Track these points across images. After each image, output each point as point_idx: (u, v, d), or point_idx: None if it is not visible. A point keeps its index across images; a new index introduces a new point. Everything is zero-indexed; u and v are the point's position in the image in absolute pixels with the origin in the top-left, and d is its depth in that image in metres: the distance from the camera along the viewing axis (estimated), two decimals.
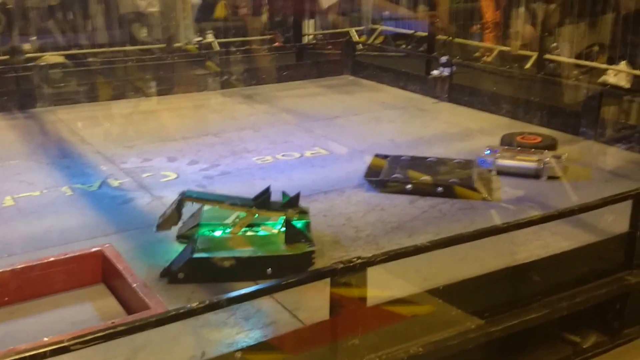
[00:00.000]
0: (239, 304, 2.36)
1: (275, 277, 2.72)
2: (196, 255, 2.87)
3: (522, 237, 3.15)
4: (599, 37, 7.29)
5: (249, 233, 3.08)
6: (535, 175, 4.10)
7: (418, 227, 3.43)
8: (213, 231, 3.10)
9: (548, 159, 4.14)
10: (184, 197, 3.12)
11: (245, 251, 2.91)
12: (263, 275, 2.81)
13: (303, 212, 3.24)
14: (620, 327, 3.08)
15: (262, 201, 3.12)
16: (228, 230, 3.09)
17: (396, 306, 2.36)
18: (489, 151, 4.31)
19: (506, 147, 4.45)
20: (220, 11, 9.01)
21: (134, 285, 2.72)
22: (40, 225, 3.49)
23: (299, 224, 3.11)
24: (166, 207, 3.18)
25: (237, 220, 3.12)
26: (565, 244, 3.16)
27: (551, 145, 4.50)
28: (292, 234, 2.99)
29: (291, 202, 3.18)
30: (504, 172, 4.15)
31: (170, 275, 2.87)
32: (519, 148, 4.40)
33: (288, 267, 2.80)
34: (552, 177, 4.09)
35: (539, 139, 4.57)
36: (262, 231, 3.11)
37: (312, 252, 2.94)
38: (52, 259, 2.92)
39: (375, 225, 3.47)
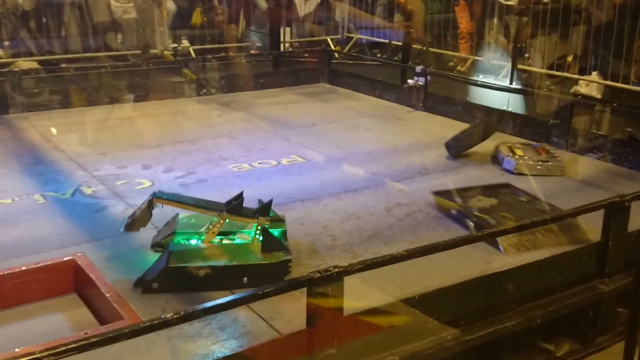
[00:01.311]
0: (214, 314, 2.34)
1: (252, 286, 2.71)
2: (171, 264, 2.84)
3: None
4: (570, 49, 7.41)
5: (225, 241, 3.06)
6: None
7: (394, 236, 3.44)
8: (188, 240, 3.07)
9: (526, 156, 4.41)
10: (155, 198, 3.08)
11: (221, 260, 2.89)
12: (239, 285, 2.79)
13: (278, 220, 3.23)
14: (594, 335, 3.12)
15: (234, 206, 3.09)
16: (203, 238, 3.07)
17: (373, 316, 2.36)
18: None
19: (533, 144, 4.70)
20: (196, 18, 8.99)
21: (107, 295, 2.68)
22: (12, 234, 3.43)
23: (275, 232, 3.10)
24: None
25: (210, 227, 3.09)
26: (537, 253, 3.19)
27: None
28: (269, 243, 2.98)
29: (264, 209, 3.17)
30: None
31: (145, 284, 2.83)
32: (536, 145, 4.69)
33: (264, 276, 2.79)
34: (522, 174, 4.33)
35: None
36: (238, 239, 3.09)
37: (289, 260, 2.93)
38: (23, 268, 2.87)
39: (351, 233, 3.47)
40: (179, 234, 3.10)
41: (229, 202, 3.14)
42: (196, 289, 2.80)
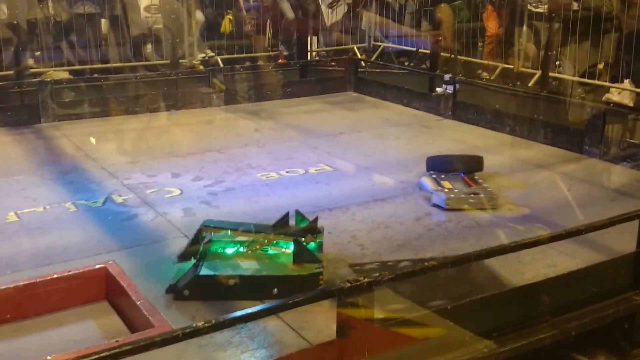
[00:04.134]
0: (244, 323, 2.33)
1: (282, 297, 2.69)
2: (201, 272, 2.85)
3: (528, 256, 3.13)
4: (602, 56, 7.30)
5: (257, 252, 3.06)
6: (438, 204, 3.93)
7: (424, 245, 3.41)
8: (225, 248, 3.07)
9: (457, 190, 3.98)
10: (203, 227, 3.14)
11: (252, 270, 2.89)
12: (269, 295, 2.78)
13: (318, 232, 3.22)
14: (629, 347, 3.04)
15: (281, 228, 3.12)
16: (242, 248, 3.06)
17: (404, 327, 2.33)
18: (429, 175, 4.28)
19: (467, 174, 4.26)
20: (226, 26, 9.06)
21: (138, 303, 2.69)
22: (44, 242, 3.47)
23: (312, 244, 3.09)
24: (171, 224, 3.17)
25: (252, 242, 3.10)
26: (572, 263, 3.13)
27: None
28: (301, 254, 2.96)
29: (311, 227, 3.17)
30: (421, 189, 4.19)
31: (176, 292, 2.84)
32: (478, 180, 4.22)
33: (294, 288, 2.76)
34: (438, 207, 3.90)
35: None
36: (270, 250, 3.09)
37: (320, 273, 2.90)
38: (55, 275, 2.90)
39: (380, 243, 3.45)
40: (215, 242, 3.10)
41: (275, 224, 3.17)
42: (226, 297, 2.80)
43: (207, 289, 2.82)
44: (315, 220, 3.23)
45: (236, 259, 2.98)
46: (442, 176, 4.24)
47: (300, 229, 3.19)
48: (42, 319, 2.80)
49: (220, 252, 3.04)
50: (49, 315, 2.83)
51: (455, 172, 4.30)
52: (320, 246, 3.15)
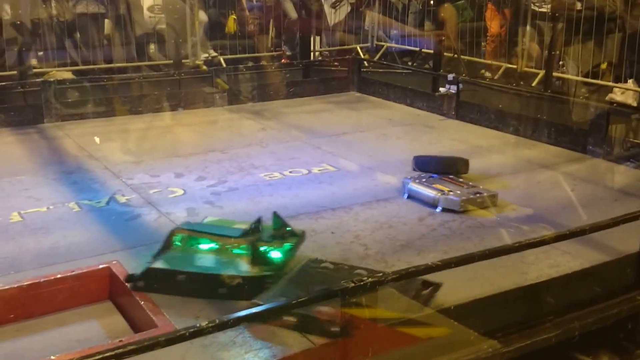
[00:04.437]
0: (248, 323, 2.33)
1: (230, 298, 2.69)
2: (155, 265, 2.85)
3: (531, 256, 3.12)
4: (606, 56, 7.29)
5: (232, 251, 3.02)
6: (433, 204, 3.90)
7: (427, 245, 3.41)
8: (199, 244, 3.04)
9: (459, 191, 3.92)
10: (176, 230, 3.12)
11: (203, 268, 2.86)
12: (215, 294, 2.76)
13: (292, 235, 3.19)
14: (632, 347, 3.04)
15: (253, 233, 3.07)
16: (216, 245, 3.03)
17: (407, 327, 2.33)
18: (409, 178, 4.16)
19: (445, 176, 4.18)
20: (230, 26, 9.06)
21: (141, 302, 2.70)
22: (47, 242, 3.48)
23: (286, 246, 3.06)
24: (174, 224, 3.17)
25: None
26: (575, 263, 3.13)
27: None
28: (254, 258, 2.92)
29: (282, 229, 3.14)
30: (413, 197, 4.03)
31: (133, 282, 2.83)
32: (449, 177, 4.16)
33: (242, 289, 2.74)
34: (449, 210, 3.83)
35: None
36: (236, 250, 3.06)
37: (268, 277, 2.83)
38: (58, 275, 2.90)
39: (383, 242, 3.44)
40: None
41: (247, 230, 3.10)
42: (176, 292, 2.79)
43: (159, 282, 2.81)
44: (281, 224, 3.18)
45: (197, 255, 2.96)
46: (427, 179, 4.12)
47: (271, 233, 3.13)
48: (45, 318, 2.81)
49: (188, 247, 3.02)
50: (52, 315, 2.83)
51: (439, 175, 4.20)
52: (292, 249, 3.09)
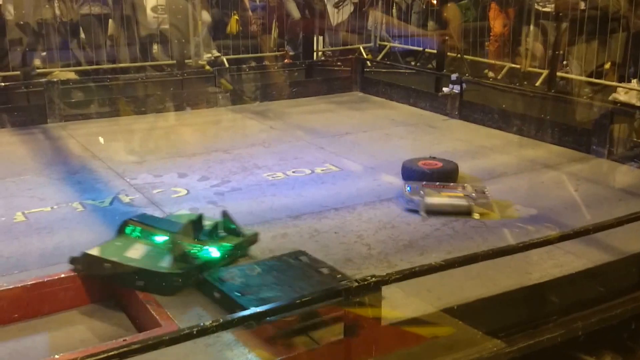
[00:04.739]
0: (251, 322, 2.33)
1: (148, 290, 2.74)
2: (89, 252, 2.92)
3: (535, 256, 3.12)
4: (609, 55, 7.28)
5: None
6: (467, 212, 3.72)
7: (430, 245, 3.40)
8: (154, 236, 3.09)
9: (474, 194, 3.82)
10: (128, 220, 3.19)
11: (127, 259, 2.90)
12: (134, 286, 2.79)
13: (237, 235, 3.15)
14: (636, 347, 3.04)
15: (190, 231, 3.08)
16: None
17: (411, 326, 2.33)
18: (409, 187, 3.91)
19: (424, 183, 4.00)
20: (232, 26, 9.07)
21: (145, 302, 2.70)
22: (51, 241, 3.48)
23: (225, 247, 3.04)
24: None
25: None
26: (579, 263, 3.12)
27: (453, 171, 4.28)
28: (174, 254, 2.93)
29: (229, 229, 3.15)
30: (434, 212, 3.72)
31: (74, 264, 2.91)
32: (437, 184, 4.00)
33: (155, 283, 2.79)
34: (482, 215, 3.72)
35: (440, 164, 4.33)
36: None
37: (176, 274, 2.83)
38: (62, 275, 2.91)
39: (386, 242, 3.44)
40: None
41: (186, 227, 3.11)
42: (104, 280, 2.87)
43: (91, 268, 2.89)
44: (228, 225, 3.17)
45: (134, 246, 3.00)
46: (430, 188, 3.90)
47: (208, 232, 3.11)
48: (49, 318, 2.81)
49: (133, 237, 3.09)
50: (56, 314, 2.84)
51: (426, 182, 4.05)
52: (232, 249, 3.07)
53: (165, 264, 2.87)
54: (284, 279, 2.84)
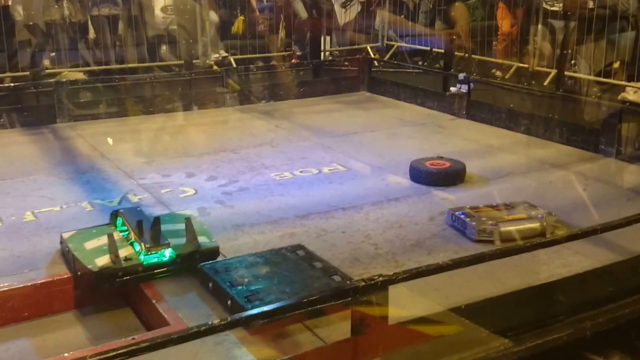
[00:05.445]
0: (259, 321, 2.34)
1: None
2: (64, 233, 3.22)
3: (543, 256, 3.12)
4: (618, 55, 7.24)
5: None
6: (541, 234, 3.42)
7: (437, 245, 3.40)
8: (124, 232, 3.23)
9: (533, 212, 3.59)
10: (117, 212, 3.37)
11: (78, 249, 3.03)
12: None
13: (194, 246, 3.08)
14: None
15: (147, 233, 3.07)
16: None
17: (418, 325, 2.34)
18: (461, 213, 3.56)
19: (468, 207, 3.67)
20: (237, 26, 9.08)
21: (153, 301, 2.72)
22: None
23: (158, 254, 2.99)
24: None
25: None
26: (587, 263, 3.12)
27: (461, 171, 4.28)
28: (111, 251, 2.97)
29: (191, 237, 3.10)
30: (508, 240, 3.38)
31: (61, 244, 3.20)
32: (482, 205, 3.70)
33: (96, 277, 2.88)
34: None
35: (448, 164, 4.30)
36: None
37: (95, 272, 2.84)
38: (71, 274, 2.93)
39: (394, 242, 3.45)
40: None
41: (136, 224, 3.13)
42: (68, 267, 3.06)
43: (65, 251, 3.13)
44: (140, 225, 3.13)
45: (99, 238, 3.11)
46: (485, 215, 3.54)
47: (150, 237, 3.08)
48: (58, 316, 2.83)
49: (118, 229, 3.26)
50: (65, 313, 2.86)
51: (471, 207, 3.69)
52: (173, 259, 3.00)
53: (100, 262, 2.90)
54: (276, 272, 2.87)
